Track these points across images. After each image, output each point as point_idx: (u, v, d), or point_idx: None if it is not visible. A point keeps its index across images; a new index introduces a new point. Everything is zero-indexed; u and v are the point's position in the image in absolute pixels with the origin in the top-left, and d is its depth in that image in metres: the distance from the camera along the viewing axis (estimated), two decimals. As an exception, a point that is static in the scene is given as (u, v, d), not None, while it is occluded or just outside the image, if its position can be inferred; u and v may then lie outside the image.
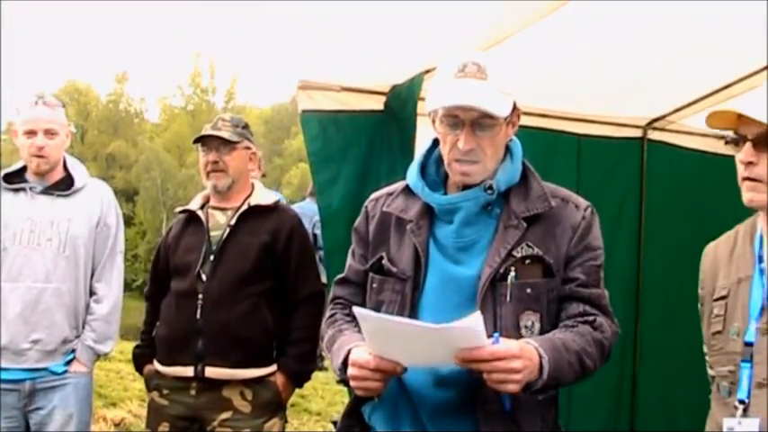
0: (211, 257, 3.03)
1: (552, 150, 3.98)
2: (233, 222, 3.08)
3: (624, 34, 3.24)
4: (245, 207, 3.10)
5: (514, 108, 1.97)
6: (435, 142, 2.04)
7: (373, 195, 2.14)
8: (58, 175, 3.18)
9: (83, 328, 3.11)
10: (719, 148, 4.33)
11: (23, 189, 3.12)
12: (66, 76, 66.76)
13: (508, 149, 2.01)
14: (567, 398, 3.90)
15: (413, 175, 2.02)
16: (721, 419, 1.79)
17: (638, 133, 4.32)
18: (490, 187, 1.92)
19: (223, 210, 3.15)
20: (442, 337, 1.69)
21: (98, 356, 3.18)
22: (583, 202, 2.01)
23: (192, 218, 3.18)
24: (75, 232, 3.08)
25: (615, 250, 4.14)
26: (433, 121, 1.98)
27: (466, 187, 1.94)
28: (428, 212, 1.98)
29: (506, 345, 1.70)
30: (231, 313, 2.96)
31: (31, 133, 3.10)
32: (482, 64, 1.90)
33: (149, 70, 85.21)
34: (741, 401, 1.74)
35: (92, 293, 3.14)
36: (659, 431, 4.24)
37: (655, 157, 4.28)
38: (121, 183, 41.77)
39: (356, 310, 1.80)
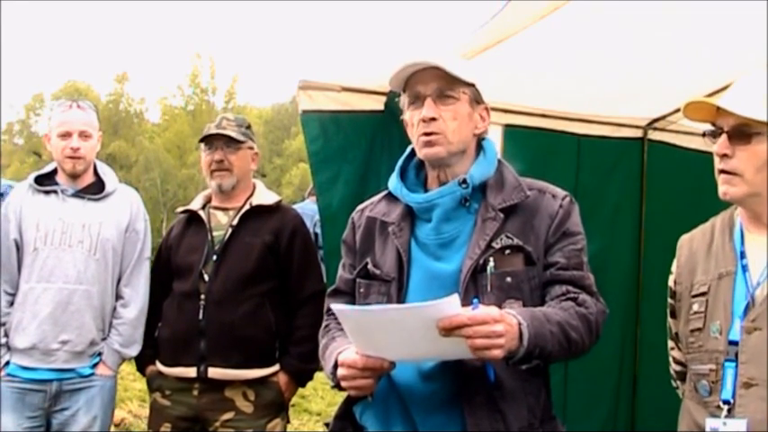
0: (214, 258, 3.04)
1: (552, 150, 3.98)
2: (235, 222, 3.08)
3: (624, 34, 3.24)
4: (247, 207, 3.11)
5: (481, 101, 2.02)
6: (414, 150, 2.09)
7: (358, 207, 2.19)
8: (89, 179, 3.21)
9: (108, 330, 3.13)
10: (719, 148, 4.36)
11: (55, 191, 3.15)
12: (67, 76, 66.86)
13: (481, 147, 2.05)
14: (563, 397, 3.91)
15: (393, 180, 2.09)
16: (701, 419, 1.77)
17: (638, 133, 4.32)
18: (464, 181, 1.96)
19: (225, 210, 3.16)
20: (420, 317, 1.70)
21: (123, 360, 3.19)
22: (560, 191, 2.03)
23: (193, 218, 3.19)
24: (106, 235, 3.11)
25: (615, 250, 4.15)
26: (406, 125, 2.05)
27: (443, 185, 1.99)
28: (409, 214, 2.03)
29: (486, 309, 1.71)
30: (234, 314, 2.96)
31: (66, 135, 3.14)
32: (436, 57, 1.97)
33: (149, 70, 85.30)
34: (725, 402, 1.72)
35: (118, 297, 3.16)
36: (659, 431, 4.24)
37: (655, 157, 4.28)
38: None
39: (335, 307, 1.83)
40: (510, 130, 3.84)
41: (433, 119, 1.94)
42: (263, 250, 3.04)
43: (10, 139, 51.54)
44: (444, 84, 1.94)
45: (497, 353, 1.70)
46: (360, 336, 1.81)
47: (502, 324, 1.69)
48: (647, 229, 4.28)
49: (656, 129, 4.30)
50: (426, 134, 1.95)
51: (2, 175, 3.36)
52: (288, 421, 3.16)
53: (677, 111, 4.12)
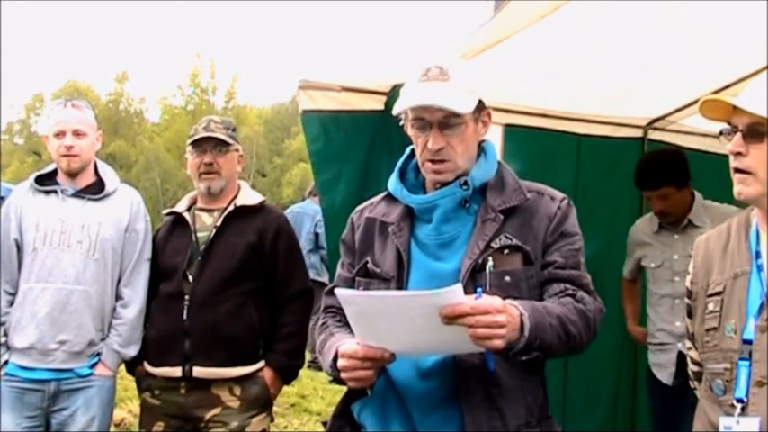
0: (198, 258, 3.05)
1: (552, 150, 3.99)
2: (219, 223, 3.10)
3: (624, 34, 3.25)
4: (231, 208, 3.12)
5: (484, 108, 2.02)
6: (413, 151, 2.10)
7: (358, 207, 2.20)
8: (90, 179, 3.21)
9: (108, 331, 3.13)
10: (719, 147, 4.35)
11: (55, 191, 3.15)
12: (67, 76, 66.79)
13: (482, 150, 2.06)
14: (562, 398, 3.92)
15: (392, 181, 2.10)
16: (716, 418, 1.78)
17: (638, 133, 4.33)
18: (465, 183, 1.97)
19: (210, 211, 3.17)
20: (423, 304, 1.70)
21: (123, 360, 3.19)
22: (558, 194, 2.05)
23: (178, 220, 3.20)
24: (105, 236, 3.11)
25: (615, 249, 4.14)
26: (404, 125, 2.05)
27: (443, 186, 1.99)
28: (409, 215, 2.04)
29: (489, 299, 1.72)
30: (217, 313, 2.98)
31: (60, 134, 3.15)
32: (444, 67, 1.96)
33: (149, 70, 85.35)
34: (739, 400, 1.73)
35: (118, 298, 3.16)
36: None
37: (655, 157, 4.28)
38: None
39: (338, 291, 1.83)
40: (510, 130, 3.84)
41: (441, 148, 1.95)
42: (247, 250, 3.05)
43: (10, 139, 51.54)
44: (450, 111, 1.94)
45: (498, 343, 1.71)
46: (361, 323, 1.81)
47: (504, 314, 1.71)
48: (648, 228, 4.28)
49: (656, 129, 4.31)
50: (434, 162, 1.97)
51: (2, 175, 3.37)
52: (272, 419, 3.18)
53: (677, 111, 4.13)
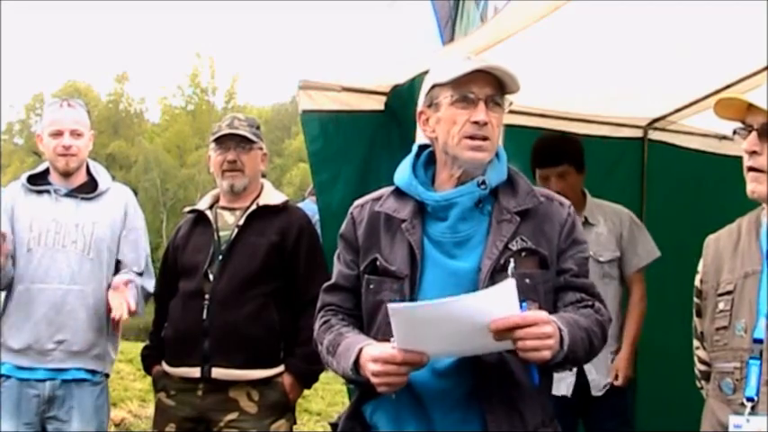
0: (219, 257, 3.03)
1: (552, 150, 3.98)
2: (241, 222, 3.08)
3: (624, 34, 3.24)
4: (253, 207, 3.10)
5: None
6: (420, 148, 2.09)
7: (357, 202, 2.16)
8: (82, 178, 3.21)
9: (106, 330, 3.13)
10: (720, 148, 4.37)
11: (47, 191, 3.15)
12: (67, 76, 66.67)
13: (495, 152, 2.06)
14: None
15: (405, 176, 2.05)
16: (725, 417, 1.78)
17: (638, 133, 4.32)
18: (483, 182, 1.97)
19: (232, 210, 3.15)
20: (476, 308, 1.69)
21: (145, 291, 3.20)
22: (564, 200, 2.07)
23: (200, 218, 3.18)
24: (100, 235, 3.12)
25: (615, 250, 4.13)
26: (421, 116, 2.04)
27: (461, 185, 1.98)
28: (420, 212, 2.01)
29: (536, 311, 1.75)
30: (238, 313, 2.96)
31: (57, 134, 3.15)
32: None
33: (149, 70, 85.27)
34: (749, 399, 1.74)
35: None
36: (659, 431, 4.24)
37: (655, 157, 4.28)
38: (121, 183, 41.52)
39: (391, 306, 1.76)
40: (510, 130, 3.83)
41: (486, 123, 1.95)
42: (269, 250, 3.03)
43: (10, 139, 51.49)
44: (496, 91, 1.97)
45: (547, 354, 1.72)
46: (406, 331, 1.76)
47: (551, 326, 1.73)
48: (648, 229, 4.27)
49: (656, 129, 4.30)
50: (477, 138, 1.95)
51: (2, 175, 3.37)
52: (294, 422, 3.14)
53: (677, 111, 4.13)
